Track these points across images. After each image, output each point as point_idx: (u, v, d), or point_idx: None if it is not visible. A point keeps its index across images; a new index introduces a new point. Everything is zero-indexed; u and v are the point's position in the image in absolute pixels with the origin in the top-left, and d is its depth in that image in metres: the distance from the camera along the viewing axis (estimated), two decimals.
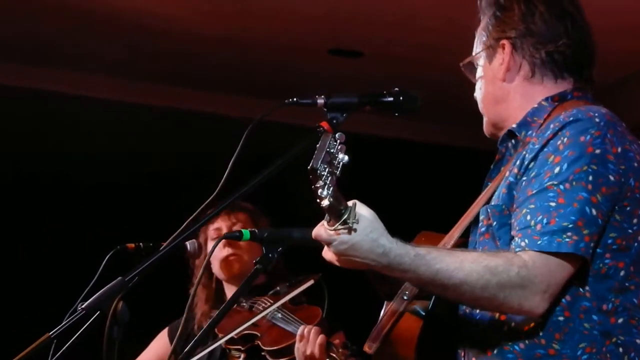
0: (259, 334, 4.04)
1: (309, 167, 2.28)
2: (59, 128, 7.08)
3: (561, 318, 2.48)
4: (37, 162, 7.12)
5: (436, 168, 7.93)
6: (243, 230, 2.68)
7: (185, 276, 4.35)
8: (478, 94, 2.81)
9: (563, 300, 2.48)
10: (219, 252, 4.26)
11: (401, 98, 2.68)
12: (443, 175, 7.79)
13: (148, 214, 6.95)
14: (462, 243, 2.70)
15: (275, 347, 3.98)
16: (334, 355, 3.77)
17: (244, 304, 4.19)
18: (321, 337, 3.84)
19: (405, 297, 2.66)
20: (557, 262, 2.44)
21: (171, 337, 4.37)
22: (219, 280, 4.36)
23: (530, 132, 2.64)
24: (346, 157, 2.33)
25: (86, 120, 7.05)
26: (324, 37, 6.63)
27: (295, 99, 2.67)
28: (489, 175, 2.79)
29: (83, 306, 2.43)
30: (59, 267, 6.94)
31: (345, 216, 2.37)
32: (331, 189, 2.30)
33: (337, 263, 2.49)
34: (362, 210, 2.42)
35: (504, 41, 2.72)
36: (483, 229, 2.60)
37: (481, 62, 2.79)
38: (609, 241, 2.50)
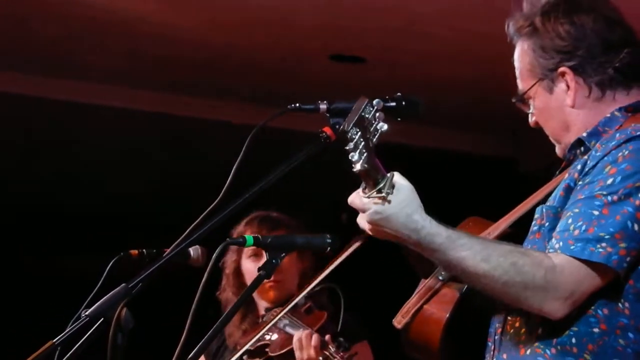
0: (269, 343, 4.05)
1: (339, 129, 2.29)
2: (62, 135, 7.10)
3: (596, 330, 2.47)
4: (40, 168, 7.13)
5: (436, 172, 7.93)
6: (246, 236, 2.67)
7: (189, 282, 4.34)
8: (546, 128, 2.76)
9: (600, 312, 2.48)
10: (256, 272, 4.24)
11: (403, 103, 2.68)
12: (440, 179, 7.80)
13: (149, 220, 6.95)
14: (509, 234, 2.68)
15: (279, 352, 3.99)
16: (327, 352, 3.80)
17: (264, 318, 4.20)
18: (315, 339, 3.85)
19: (440, 277, 2.66)
20: (587, 270, 2.43)
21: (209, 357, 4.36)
22: None
23: (599, 142, 2.61)
24: (385, 126, 2.33)
25: (89, 128, 7.06)
26: (325, 43, 6.64)
27: (297, 105, 2.67)
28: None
29: (87, 313, 2.43)
30: (62, 273, 6.95)
31: (381, 185, 2.37)
32: (365, 155, 2.30)
33: (369, 232, 2.49)
34: (402, 181, 2.43)
35: (563, 69, 2.66)
36: (535, 228, 2.60)
37: (538, 94, 2.72)
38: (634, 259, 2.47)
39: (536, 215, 2.61)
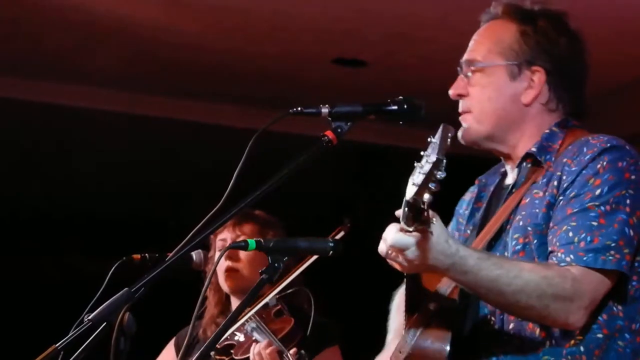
0: (235, 344, 4.06)
1: (435, 159, 2.27)
2: (64, 141, 7.10)
3: (600, 335, 2.56)
4: (42, 172, 7.13)
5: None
6: (249, 240, 2.66)
7: (192, 286, 4.35)
8: (477, 104, 2.78)
9: (600, 318, 2.57)
10: (222, 264, 4.27)
11: (405, 107, 2.68)
12: (446, 184, 7.77)
13: (152, 225, 6.95)
14: None
15: (242, 356, 4.01)
16: None
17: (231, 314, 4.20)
18: (270, 350, 3.86)
19: (431, 308, 2.66)
20: (601, 278, 2.52)
21: (178, 347, 4.37)
22: None
23: (549, 157, 2.69)
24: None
25: (91, 132, 7.06)
26: (327, 46, 6.64)
27: (299, 109, 2.67)
28: (498, 196, 2.81)
29: (89, 318, 2.43)
30: (64, 277, 6.95)
31: (423, 217, 2.35)
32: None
33: (397, 267, 2.51)
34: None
35: (539, 68, 2.73)
36: (518, 247, 2.64)
37: (496, 74, 2.77)
38: (636, 264, 2.59)
39: (516, 235, 2.65)
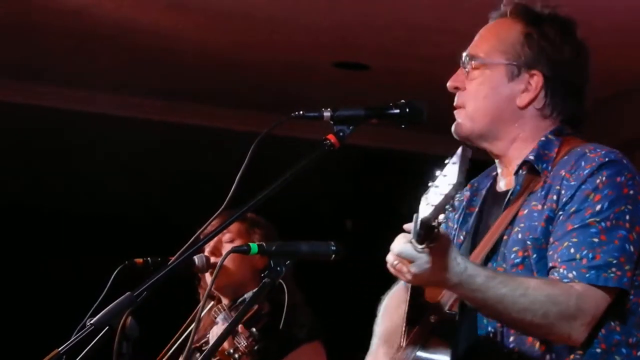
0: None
1: (456, 181, 2.26)
2: (66, 144, 7.11)
3: (598, 350, 2.57)
4: (43, 175, 7.15)
5: None
6: (251, 244, 2.67)
7: (195, 290, 4.35)
8: (472, 101, 2.76)
9: (599, 333, 2.57)
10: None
11: (407, 110, 2.68)
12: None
13: (154, 229, 6.96)
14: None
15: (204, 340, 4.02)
16: (236, 342, 3.80)
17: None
18: (219, 328, 3.88)
19: (432, 321, 2.65)
20: (603, 295, 2.53)
21: None
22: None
23: (545, 165, 2.68)
24: None
25: (91, 136, 7.07)
26: (329, 50, 6.64)
27: (301, 112, 2.67)
28: (491, 201, 2.79)
29: (92, 322, 2.44)
30: (68, 281, 6.96)
31: (433, 235, 2.35)
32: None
33: (402, 278, 2.49)
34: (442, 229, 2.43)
35: (537, 72, 2.72)
36: (517, 261, 2.63)
37: (495, 73, 2.75)
38: (633, 278, 2.59)
39: (515, 247, 2.64)
